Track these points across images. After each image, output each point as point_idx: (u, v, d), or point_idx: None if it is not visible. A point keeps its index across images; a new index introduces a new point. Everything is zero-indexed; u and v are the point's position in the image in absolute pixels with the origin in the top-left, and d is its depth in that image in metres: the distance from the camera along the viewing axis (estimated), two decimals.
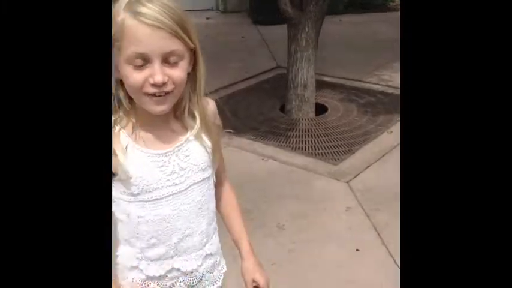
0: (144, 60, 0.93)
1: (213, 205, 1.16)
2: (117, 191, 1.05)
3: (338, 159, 3.40)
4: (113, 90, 0.98)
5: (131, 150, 1.02)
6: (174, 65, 0.96)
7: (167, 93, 0.97)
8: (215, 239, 1.18)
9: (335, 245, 2.48)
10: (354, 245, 2.48)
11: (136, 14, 0.91)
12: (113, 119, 1.01)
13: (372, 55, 6.14)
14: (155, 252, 1.09)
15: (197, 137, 1.08)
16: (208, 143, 1.09)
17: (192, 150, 1.07)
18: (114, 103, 1.01)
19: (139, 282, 1.13)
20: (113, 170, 1.00)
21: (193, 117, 1.08)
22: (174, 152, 1.05)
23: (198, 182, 1.09)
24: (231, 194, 1.27)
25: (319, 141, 3.67)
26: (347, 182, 3.09)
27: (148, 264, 1.10)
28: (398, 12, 9.17)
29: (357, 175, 3.18)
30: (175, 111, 1.06)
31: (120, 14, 0.93)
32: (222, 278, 1.22)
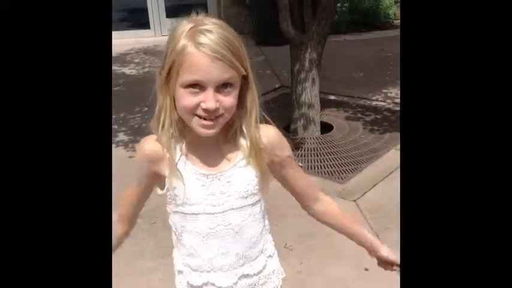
0: (199, 87, 1.00)
1: (258, 229, 1.20)
2: (168, 200, 1.16)
3: (345, 177, 3.38)
4: (165, 109, 1.07)
5: (181, 165, 1.11)
6: (227, 92, 1.02)
7: (217, 117, 1.03)
8: (259, 261, 1.22)
9: (344, 265, 2.45)
10: (363, 265, 2.45)
11: (198, 44, 0.98)
12: (169, 133, 1.09)
13: (377, 73, 6.15)
14: (194, 262, 1.18)
15: (245, 166, 1.13)
16: (256, 171, 1.13)
17: (236, 177, 1.12)
18: (166, 120, 1.09)
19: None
20: (164, 181, 1.13)
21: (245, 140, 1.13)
22: (217, 177, 1.12)
23: (237, 208, 1.14)
24: (330, 206, 1.30)
25: (325, 160, 3.66)
26: (354, 201, 3.07)
27: (190, 272, 1.20)
28: None
29: (364, 193, 3.15)
30: (227, 133, 1.12)
31: (181, 40, 1.00)
32: None
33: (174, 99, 1.06)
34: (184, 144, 1.12)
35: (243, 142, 1.12)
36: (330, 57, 5.25)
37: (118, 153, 3.91)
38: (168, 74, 1.04)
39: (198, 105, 1.02)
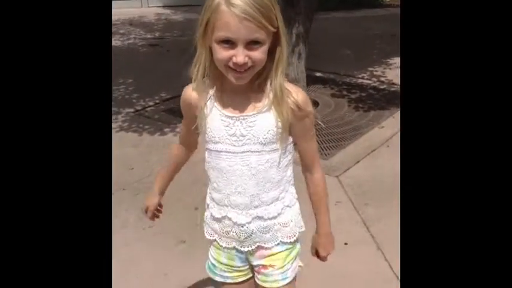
0: (231, 43, 1.12)
1: (276, 177, 1.29)
2: (204, 139, 1.31)
3: (328, 154, 3.41)
4: (201, 59, 1.20)
5: (210, 107, 1.26)
6: (255, 48, 1.13)
7: (246, 70, 1.15)
8: (274, 207, 1.31)
9: None
10: (342, 239, 2.49)
11: (229, 4, 1.08)
12: (204, 80, 1.24)
13: (364, 51, 6.15)
14: (216, 196, 1.32)
15: (268, 111, 1.23)
16: (277, 121, 1.23)
17: (258, 123, 1.23)
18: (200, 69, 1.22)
19: (208, 221, 1.39)
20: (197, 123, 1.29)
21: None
22: (239, 119, 1.23)
23: (255, 152, 1.25)
24: (317, 186, 1.38)
25: None
26: (337, 177, 3.10)
27: (214, 206, 1.34)
28: (391, 9, 9.21)
29: (346, 170, 3.18)
30: (256, 80, 1.22)
31: None
32: (278, 242, 1.35)
33: (210, 50, 1.17)
34: (216, 89, 1.25)
35: (270, 91, 1.22)
36: (318, 33, 5.23)
37: None
38: (205, 28, 1.14)
39: (230, 58, 1.13)
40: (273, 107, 1.22)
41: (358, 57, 5.88)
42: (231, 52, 1.12)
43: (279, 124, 1.23)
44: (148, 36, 7.11)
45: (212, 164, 1.30)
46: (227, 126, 1.24)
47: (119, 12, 8.06)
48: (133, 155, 3.42)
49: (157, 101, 4.47)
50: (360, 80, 5.07)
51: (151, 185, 3.12)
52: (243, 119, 1.23)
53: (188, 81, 1.26)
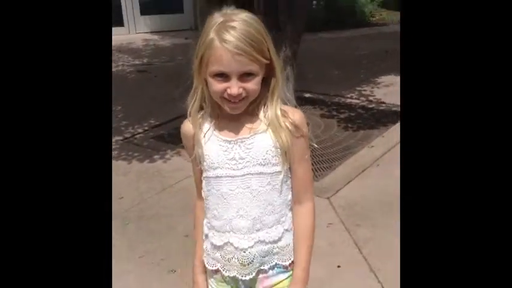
0: (224, 76, 1.17)
1: (277, 200, 1.29)
2: (201, 168, 1.32)
3: (319, 175, 3.40)
4: (198, 90, 1.26)
5: (209, 134, 1.29)
6: (249, 79, 1.18)
7: (240, 100, 1.20)
8: (276, 230, 1.30)
9: (316, 262, 2.44)
10: (335, 262, 2.47)
11: (222, 40, 1.14)
12: (202, 112, 1.29)
13: (352, 70, 6.21)
14: (216, 223, 1.31)
15: (264, 133, 1.26)
16: (275, 142, 1.25)
17: (255, 145, 1.25)
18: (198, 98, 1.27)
19: (208, 252, 1.36)
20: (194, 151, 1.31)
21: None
22: (237, 143, 1.26)
23: (255, 174, 1.26)
24: (305, 220, 1.33)
25: None
26: (328, 198, 3.09)
27: (213, 234, 1.33)
28: (378, 28, 9.29)
29: (337, 191, 3.18)
30: (250, 106, 1.26)
31: (210, 34, 1.16)
32: (275, 265, 1.32)
33: (206, 82, 1.23)
34: (214, 118, 1.29)
35: (265, 116, 1.26)
36: (305, 54, 5.27)
37: None
38: (200, 62, 1.20)
39: (224, 90, 1.18)
40: (269, 130, 1.25)
41: (346, 77, 5.94)
42: (225, 84, 1.18)
43: (277, 144, 1.25)
44: (137, 62, 7.14)
45: (212, 191, 1.30)
46: (225, 150, 1.27)
47: None
48: (123, 183, 3.39)
49: (146, 128, 4.46)
50: (348, 100, 5.10)
51: (141, 213, 3.09)
52: (241, 142, 1.26)
53: (182, 109, 1.29)
